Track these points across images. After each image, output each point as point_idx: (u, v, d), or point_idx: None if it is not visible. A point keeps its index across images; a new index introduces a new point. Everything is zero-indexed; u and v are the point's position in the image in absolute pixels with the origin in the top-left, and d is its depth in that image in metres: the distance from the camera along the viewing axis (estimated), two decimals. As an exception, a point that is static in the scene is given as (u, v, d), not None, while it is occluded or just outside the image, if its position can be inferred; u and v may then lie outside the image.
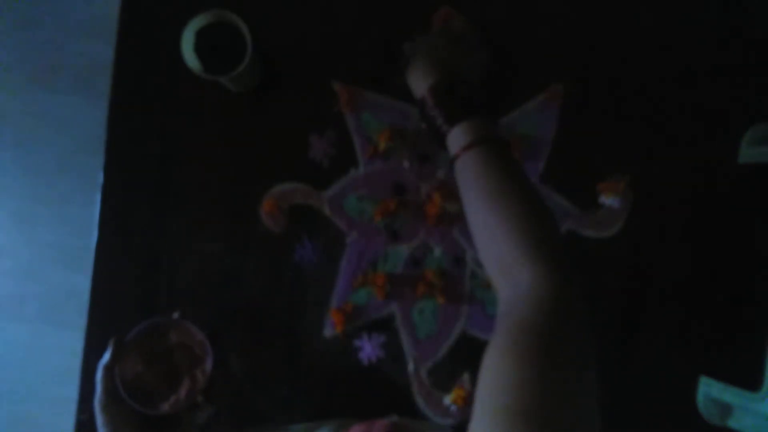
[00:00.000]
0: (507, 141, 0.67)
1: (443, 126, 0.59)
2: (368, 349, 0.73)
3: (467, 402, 0.72)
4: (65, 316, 1.57)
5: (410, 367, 0.73)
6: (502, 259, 0.51)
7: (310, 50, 0.75)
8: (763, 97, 0.74)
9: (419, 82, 0.63)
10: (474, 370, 0.73)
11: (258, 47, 0.66)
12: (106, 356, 0.60)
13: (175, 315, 0.63)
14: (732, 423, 0.69)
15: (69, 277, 1.56)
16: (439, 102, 0.60)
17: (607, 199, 0.73)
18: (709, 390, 0.71)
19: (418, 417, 0.72)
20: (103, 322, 0.74)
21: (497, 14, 0.76)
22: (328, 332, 0.74)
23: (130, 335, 0.62)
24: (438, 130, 0.60)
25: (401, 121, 0.75)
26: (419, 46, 0.66)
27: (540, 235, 0.50)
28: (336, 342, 0.74)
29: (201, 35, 0.66)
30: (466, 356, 0.73)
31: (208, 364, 0.62)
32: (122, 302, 0.74)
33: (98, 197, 0.75)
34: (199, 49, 0.66)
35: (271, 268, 0.74)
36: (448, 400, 0.72)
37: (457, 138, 0.58)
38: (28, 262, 1.58)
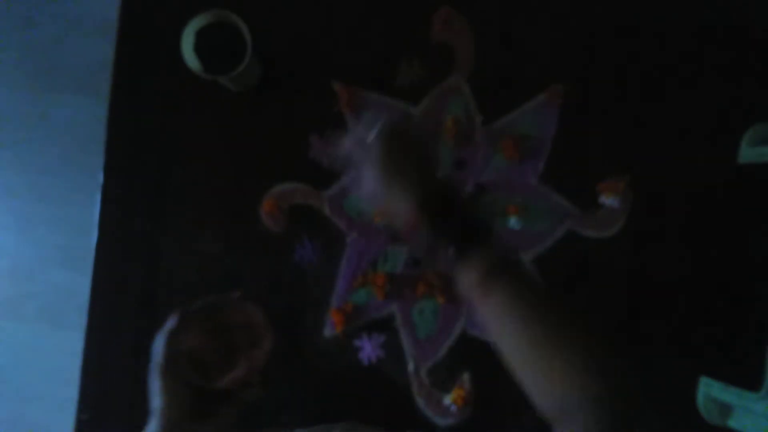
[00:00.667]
0: (518, 259, 0.62)
1: (450, 259, 0.51)
2: (368, 349, 0.73)
3: (467, 402, 0.72)
4: (65, 316, 1.56)
5: (410, 367, 0.73)
6: (551, 406, 0.46)
7: (310, 50, 0.75)
8: (763, 97, 0.74)
9: (395, 203, 0.52)
10: (474, 370, 0.73)
11: (258, 47, 0.66)
12: (170, 323, 0.59)
13: (236, 294, 0.63)
14: (732, 423, 0.69)
15: (69, 277, 1.56)
16: (433, 226, 0.50)
17: (607, 199, 0.73)
18: (709, 390, 0.71)
19: (419, 417, 0.72)
20: (103, 322, 0.74)
21: (497, 14, 0.76)
22: (328, 332, 0.74)
23: (193, 307, 0.60)
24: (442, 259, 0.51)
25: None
26: (365, 153, 0.53)
27: (588, 375, 0.45)
28: (336, 342, 0.74)
29: (201, 35, 0.66)
30: (466, 356, 0.73)
31: (267, 344, 0.61)
32: (122, 302, 0.74)
33: (98, 197, 0.75)
34: (199, 49, 0.66)
35: (271, 268, 0.74)
36: (448, 400, 0.72)
37: (469, 274, 0.50)
38: (28, 262, 1.58)
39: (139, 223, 0.75)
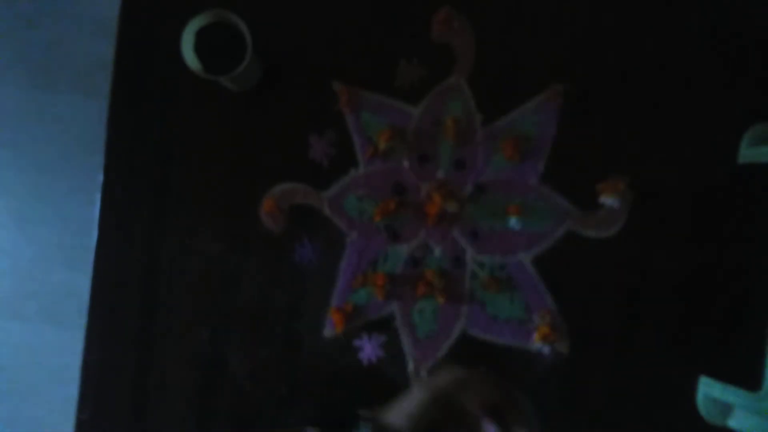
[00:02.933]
0: None
1: None
2: (368, 349, 0.73)
3: (467, 402, 0.72)
4: (65, 316, 1.57)
5: (410, 367, 0.73)
6: None
7: (310, 50, 0.75)
8: (763, 97, 0.74)
9: None
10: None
11: (258, 47, 0.66)
12: None
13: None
14: (732, 423, 0.69)
15: (69, 276, 1.56)
16: None
17: (607, 199, 0.73)
18: (709, 390, 0.71)
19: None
20: (103, 322, 0.74)
21: (497, 14, 0.75)
22: (328, 332, 0.74)
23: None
24: None
25: (401, 121, 0.75)
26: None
27: None
28: (336, 342, 0.74)
29: (201, 35, 0.66)
30: (466, 356, 0.73)
31: None
32: (122, 302, 0.74)
33: (98, 197, 0.75)
34: (199, 49, 0.66)
35: (271, 268, 0.74)
36: (448, 400, 0.72)
37: None
38: (28, 261, 1.58)
39: (139, 223, 0.75)
